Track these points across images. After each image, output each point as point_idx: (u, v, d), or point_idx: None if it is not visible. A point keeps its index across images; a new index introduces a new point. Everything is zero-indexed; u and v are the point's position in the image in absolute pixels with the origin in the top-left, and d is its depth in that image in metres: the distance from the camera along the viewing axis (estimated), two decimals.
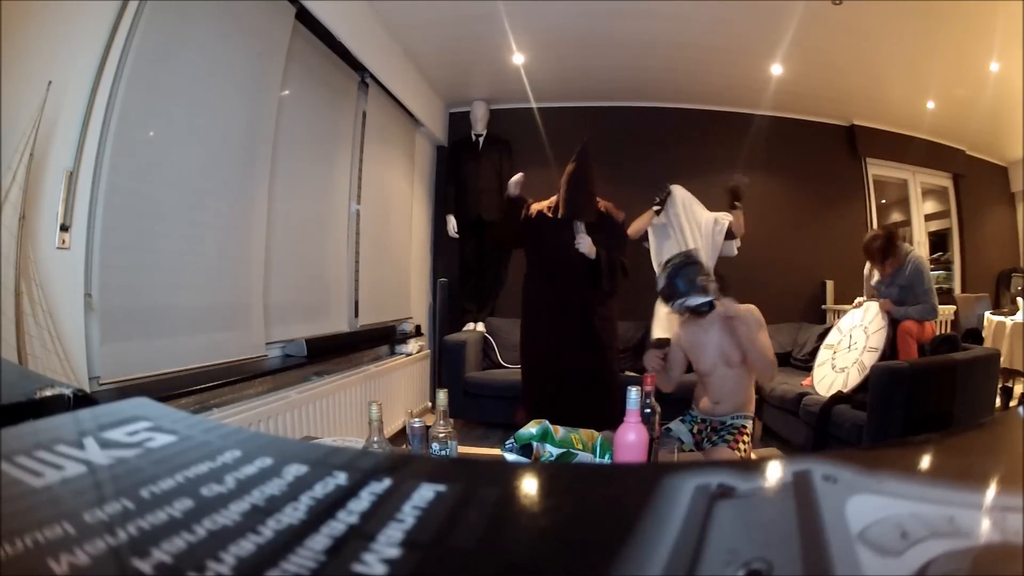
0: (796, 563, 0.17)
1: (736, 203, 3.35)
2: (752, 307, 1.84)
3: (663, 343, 3.36)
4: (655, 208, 3.41)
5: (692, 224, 3.39)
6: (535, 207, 2.57)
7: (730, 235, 3.40)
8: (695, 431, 1.89)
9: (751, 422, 1.85)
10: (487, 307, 4.11)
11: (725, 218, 3.40)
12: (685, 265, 1.83)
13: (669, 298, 1.86)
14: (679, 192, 3.44)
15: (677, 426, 1.91)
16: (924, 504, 0.20)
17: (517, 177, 2.50)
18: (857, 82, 3.65)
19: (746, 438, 1.81)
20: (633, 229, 3.48)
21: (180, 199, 1.84)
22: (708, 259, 3.22)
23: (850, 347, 2.89)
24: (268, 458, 0.25)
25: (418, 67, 3.57)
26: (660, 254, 3.47)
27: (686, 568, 0.17)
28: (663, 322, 3.45)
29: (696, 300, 1.80)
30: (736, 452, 1.76)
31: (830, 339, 3.10)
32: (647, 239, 3.54)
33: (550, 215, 2.53)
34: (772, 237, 4.03)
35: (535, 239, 2.57)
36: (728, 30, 3.12)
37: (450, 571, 0.18)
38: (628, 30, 3.17)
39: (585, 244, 2.40)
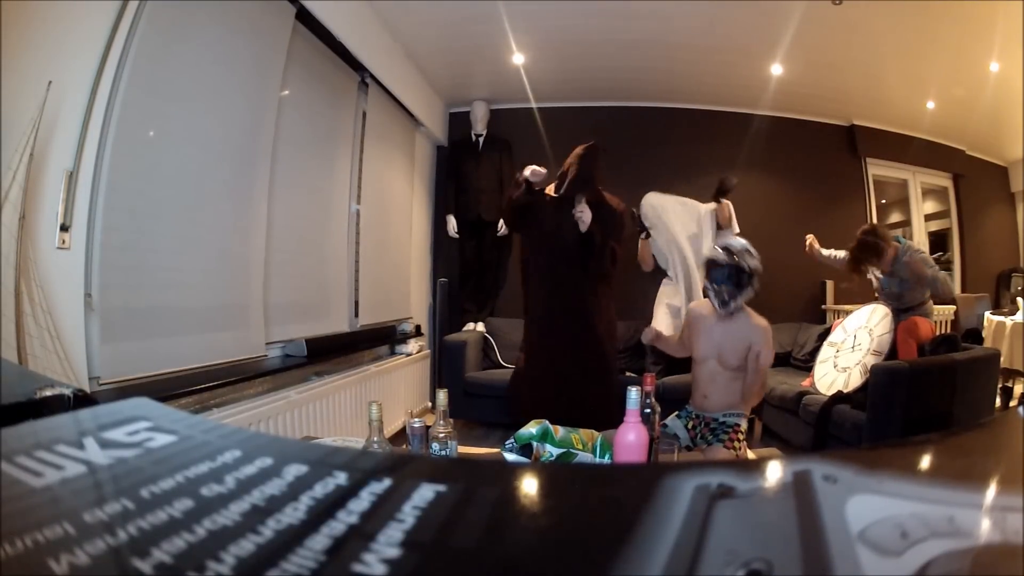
0: (796, 563, 0.17)
1: (719, 199, 3.39)
2: (768, 327, 1.83)
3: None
4: (643, 237, 3.46)
5: (677, 223, 3.42)
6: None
7: (719, 226, 3.43)
8: (690, 427, 1.89)
9: (745, 421, 1.85)
10: (487, 307, 4.11)
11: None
12: (752, 273, 1.80)
13: (712, 282, 1.83)
14: (651, 203, 3.47)
15: (673, 421, 1.91)
16: (924, 504, 0.20)
17: (539, 169, 2.48)
18: (857, 82, 3.65)
19: (740, 436, 1.81)
20: (644, 264, 3.52)
21: (180, 199, 1.84)
22: (710, 247, 3.26)
23: (854, 347, 2.89)
24: (268, 458, 0.25)
25: (418, 67, 3.57)
26: (665, 256, 3.52)
27: (686, 568, 0.17)
28: (663, 319, 3.46)
29: (728, 305, 1.80)
30: (731, 452, 1.76)
31: (834, 337, 3.10)
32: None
33: (551, 195, 2.53)
34: (772, 237, 4.01)
35: (535, 221, 2.57)
36: (728, 30, 3.12)
37: (450, 571, 0.18)
38: (628, 30, 3.17)
39: (587, 214, 2.38)
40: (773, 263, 4.08)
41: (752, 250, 1.83)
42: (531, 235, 2.63)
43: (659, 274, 3.60)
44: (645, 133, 4.16)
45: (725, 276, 1.79)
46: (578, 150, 2.52)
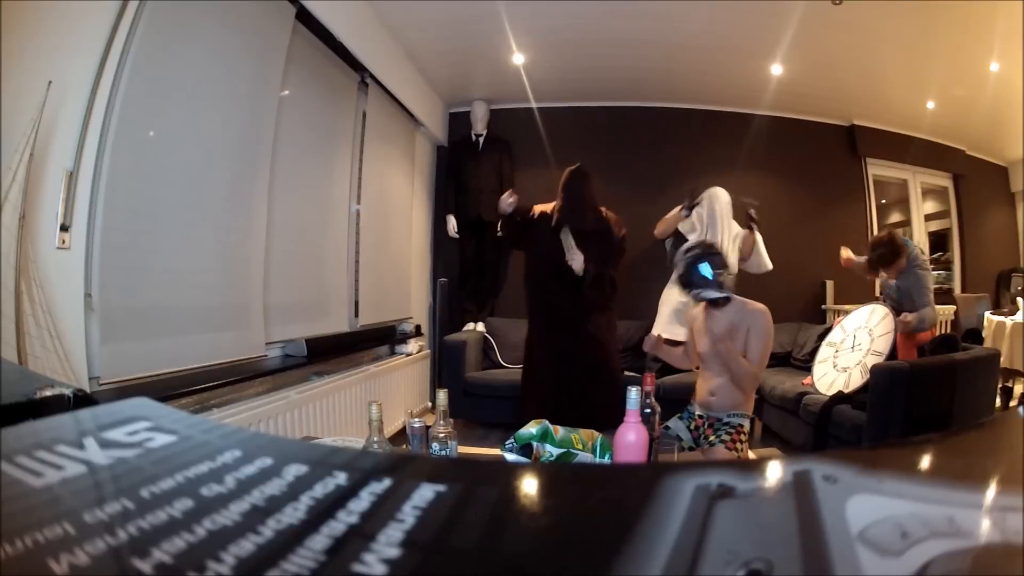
0: (796, 563, 0.17)
1: (749, 225, 3.38)
2: (765, 311, 1.82)
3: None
4: (683, 212, 3.42)
5: (724, 231, 3.40)
6: (538, 208, 2.58)
7: (741, 256, 3.42)
8: (692, 428, 1.89)
9: (748, 421, 1.85)
10: (487, 307, 4.11)
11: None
12: (705, 256, 1.82)
13: (686, 286, 1.87)
14: (718, 197, 3.44)
15: (675, 423, 1.91)
16: (924, 504, 0.20)
17: (508, 199, 2.48)
18: (857, 82, 3.65)
19: (743, 437, 1.81)
20: (660, 229, 3.50)
21: (180, 199, 1.84)
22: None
23: (853, 347, 2.89)
24: (268, 458, 0.25)
25: (418, 67, 3.57)
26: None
27: (686, 568, 0.17)
28: (665, 321, 3.45)
29: (712, 294, 1.81)
30: (733, 453, 1.76)
31: (832, 337, 3.10)
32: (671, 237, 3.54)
33: (550, 219, 2.54)
34: (772, 237, 4.02)
35: (534, 242, 2.58)
36: (728, 30, 3.12)
37: (450, 571, 0.18)
38: (628, 30, 3.17)
39: (577, 261, 2.39)
40: (773, 263, 4.10)
41: (695, 244, 1.89)
42: (530, 252, 2.65)
43: (664, 268, 3.59)
44: (645, 133, 4.16)
45: (686, 277, 1.85)
46: (564, 176, 2.51)
